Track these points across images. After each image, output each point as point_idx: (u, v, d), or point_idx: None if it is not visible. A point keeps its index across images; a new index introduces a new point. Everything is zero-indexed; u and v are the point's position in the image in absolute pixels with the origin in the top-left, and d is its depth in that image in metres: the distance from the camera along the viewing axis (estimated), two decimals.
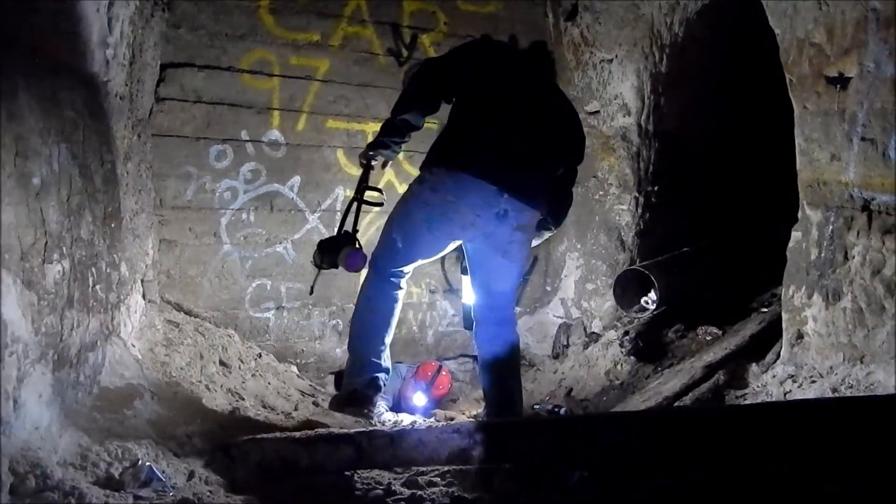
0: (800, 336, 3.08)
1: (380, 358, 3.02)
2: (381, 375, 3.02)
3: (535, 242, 3.23)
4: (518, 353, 3.18)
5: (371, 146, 3.03)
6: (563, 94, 3.28)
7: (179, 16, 3.73)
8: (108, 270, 2.62)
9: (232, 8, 3.85)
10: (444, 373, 4.27)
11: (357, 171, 3.47)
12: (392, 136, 2.97)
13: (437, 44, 4.44)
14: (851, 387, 2.75)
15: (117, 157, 2.86)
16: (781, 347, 3.22)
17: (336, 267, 3.01)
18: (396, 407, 3.97)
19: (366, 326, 3.06)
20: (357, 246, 3.00)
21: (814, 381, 2.95)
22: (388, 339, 3.07)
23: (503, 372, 3.06)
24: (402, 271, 3.07)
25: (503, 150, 2.86)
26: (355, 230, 3.08)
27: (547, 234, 3.32)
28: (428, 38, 4.44)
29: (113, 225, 2.72)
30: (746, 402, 3.12)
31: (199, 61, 3.79)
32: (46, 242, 2.04)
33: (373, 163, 3.04)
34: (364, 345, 3.04)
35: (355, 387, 2.99)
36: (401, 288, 3.09)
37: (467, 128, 2.94)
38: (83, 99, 2.49)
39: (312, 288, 3.19)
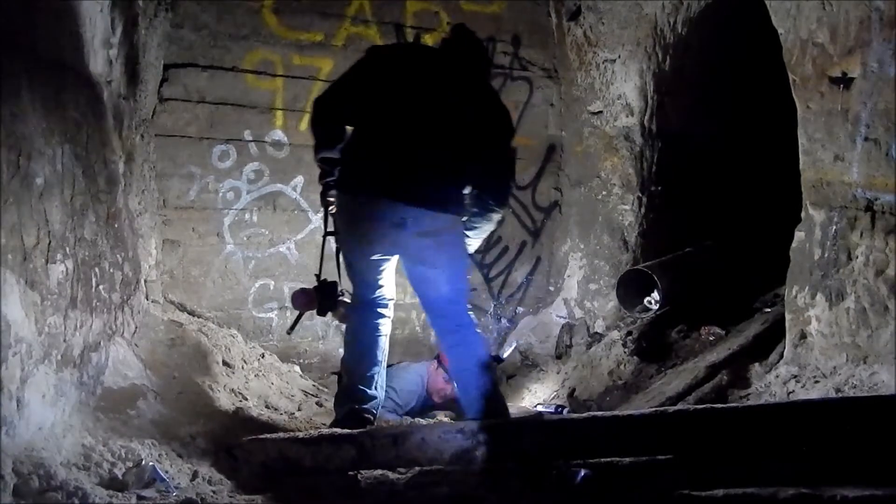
0: (803, 336, 3.07)
1: (368, 386, 2.96)
2: (370, 403, 2.95)
3: (477, 234, 3.09)
4: (485, 355, 3.02)
5: (322, 191, 3.02)
6: (473, 79, 3.03)
7: (182, 16, 3.74)
8: (111, 271, 2.63)
9: (235, 8, 3.86)
10: None
11: None
12: (326, 177, 2.96)
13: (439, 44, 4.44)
14: (855, 387, 2.74)
15: (121, 157, 2.87)
16: (785, 347, 3.21)
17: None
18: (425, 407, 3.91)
19: (350, 355, 3.05)
20: (330, 291, 3.04)
21: (817, 382, 2.94)
22: (377, 368, 3.00)
23: (473, 377, 2.92)
24: (375, 299, 3.01)
25: (394, 159, 2.80)
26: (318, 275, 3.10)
27: (495, 217, 3.06)
28: (431, 38, 4.43)
29: (116, 225, 2.73)
30: (749, 402, 3.11)
31: (202, 61, 3.80)
32: (50, 242, 2.05)
33: (330, 205, 3.01)
34: (350, 374, 3.01)
35: (339, 416, 2.95)
36: (382, 315, 3.03)
37: (359, 147, 2.88)
38: (86, 99, 2.49)
39: (291, 329, 3.20)
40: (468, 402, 2.95)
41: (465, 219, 2.96)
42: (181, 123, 3.79)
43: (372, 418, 2.94)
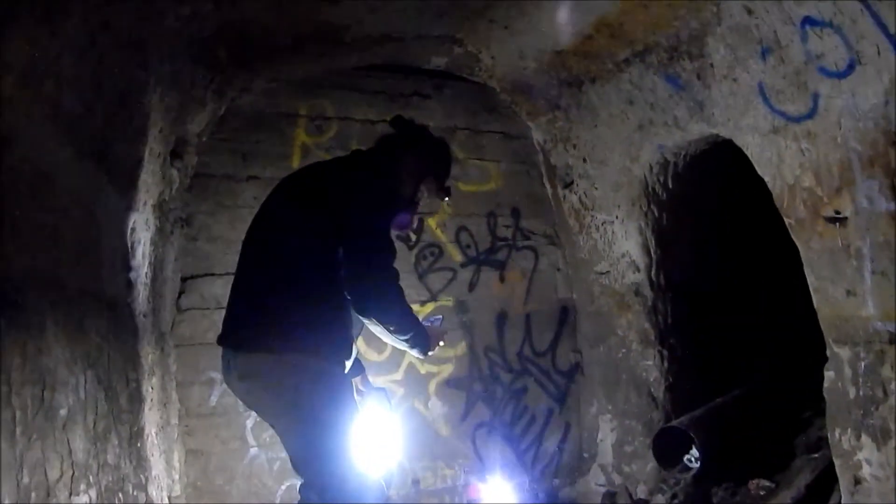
0: (857, 482, 2.92)
1: None
2: None
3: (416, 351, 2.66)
4: None
5: None
6: (343, 176, 2.60)
7: (197, 228, 3.92)
8: (134, 493, 2.58)
9: (248, 216, 4.03)
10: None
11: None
12: None
13: (444, 224, 4.62)
14: None
15: (142, 374, 2.91)
16: (840, 497, 3.04)
17: None
18: None
19: None
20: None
21: None
22: None
23: None
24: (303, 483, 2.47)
25: (241, 298, 2.54)
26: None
27: (401, 339, 2.57)
28: (433, 221, 4.61)
29: (139, 444, 2.71)
30: None
31: (217, 269, 3.92)
32: (73, 474, 2.03)
33: None
34: None
35: None
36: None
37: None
38: (108, 322, 2.56)
39: None
40: None
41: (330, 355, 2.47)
42: (200, 331, 3.85)
43: None
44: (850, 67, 2.65)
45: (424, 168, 2.83)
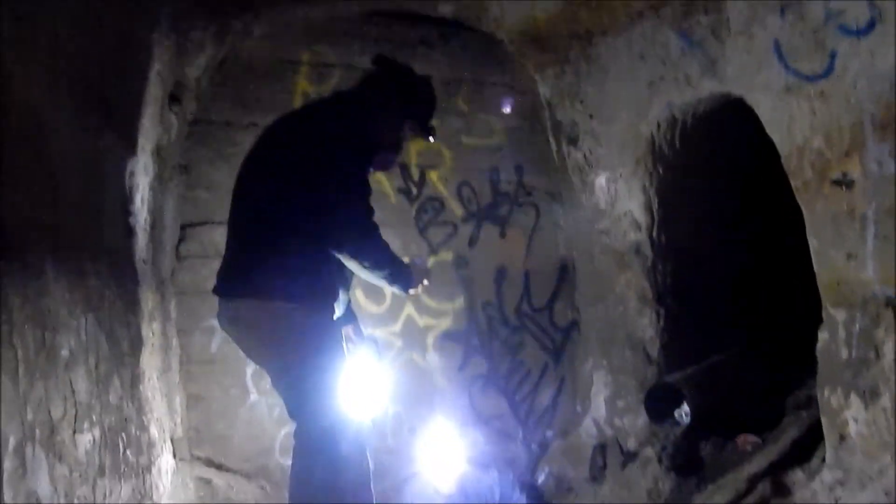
0: (842, 438, 2.97)
1: None
2: None
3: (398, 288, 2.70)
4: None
5: None
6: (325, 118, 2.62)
7: (196, 177, 3.90)
8: (137, 434, 2.62)
9: None
10: None
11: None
12: None
13: (445, 178, 4.59)
14: None
15: (142, 319, 2.92)
16: (826, 452, 3.10)
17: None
18: None
19: None
20: None
21: (864, 486, 2.83)
22: None
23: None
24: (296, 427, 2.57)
25: (230, 246, 2.60)
26: None
27: (379, 276, 2.61)
28: (436, 174, 4.58)
29: (141, 387, 2.75)
30: None
31: (217, 217, 3.89)
32: (76, 413, 2.06)
33: None
34: None
35: None
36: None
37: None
38: (108, 267, 2.57)
39: None
40: None
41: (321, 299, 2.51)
42: (199, 279, 3.85)
43: None
44: (871, 26, 2.60)
45: (407, 107, 2.80)
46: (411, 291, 2.73)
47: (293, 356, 2.45)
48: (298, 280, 2.41)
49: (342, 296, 2.67)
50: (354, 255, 2.50)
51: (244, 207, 2.57)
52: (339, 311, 2.65)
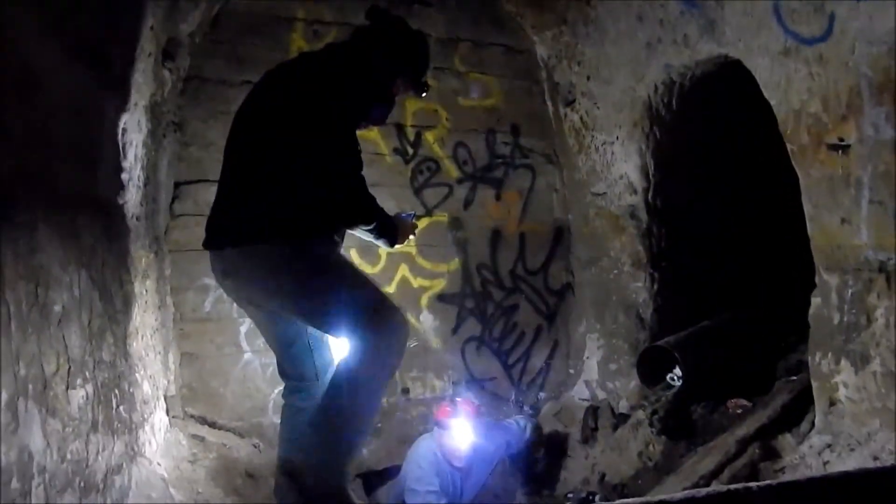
0: (832, 403, 3.01)
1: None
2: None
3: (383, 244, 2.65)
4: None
5: None
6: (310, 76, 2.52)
7: (190, 134, 3.86)
8: (130, 390, 2.63)
9: None
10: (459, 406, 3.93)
11: None
12: None
13: (441, 139, 4.57)
14: (893, 453, 2.66)
15: (136, 276, 2.92)
16: (815, 416, 3.14)
17: None
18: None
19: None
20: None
21: (853, 450, 2.86)
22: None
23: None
24: (293, 384, 2.64)
25: (218, 199, 2.54)
26: None
27: (362, 229, 2.56)
28: (432, 135, 4.55)
29: (134, 344, 2.75)
30: (785, 475, 3.02)
31: (211, 176, 3.87)
32: (69, 368, 2.06)
33: None
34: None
35: None
36: (296, 407, 2.60)
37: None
38: (101, 223, 2.55)
39: None
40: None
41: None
42: (193, 237, 3.83)
43: None
44: None
45: (400, 62, 2.72)
46: (397, 245, 2.71)
47: (298, 288, 2.40)
48: (283, 219, 2.36)
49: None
50: (342, 211, 2.46)
51: (233, 160, 2.53)
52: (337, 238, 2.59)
